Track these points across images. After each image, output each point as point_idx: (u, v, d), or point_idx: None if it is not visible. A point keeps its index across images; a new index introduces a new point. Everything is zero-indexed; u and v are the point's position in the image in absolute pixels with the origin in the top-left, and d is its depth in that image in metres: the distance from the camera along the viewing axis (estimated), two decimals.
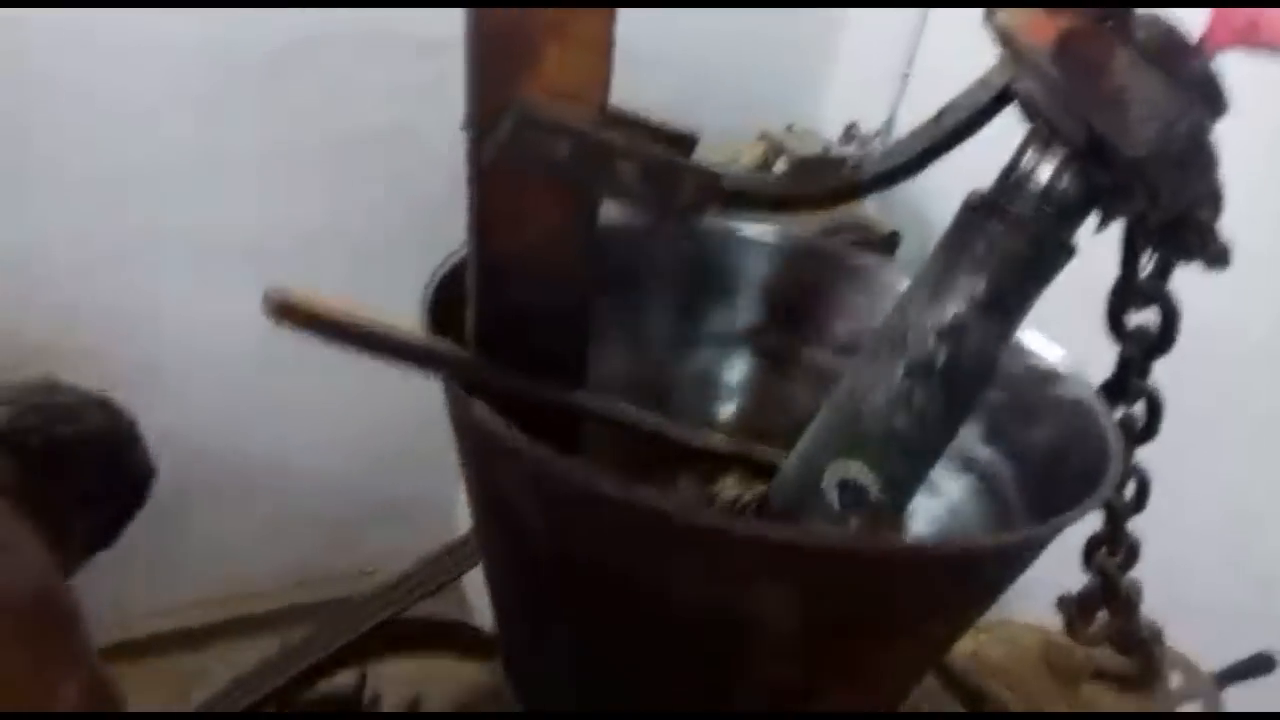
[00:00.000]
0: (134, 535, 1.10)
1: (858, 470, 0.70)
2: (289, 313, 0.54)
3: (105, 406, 0.95)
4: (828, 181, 0.65)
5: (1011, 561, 0.68)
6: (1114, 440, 0.73)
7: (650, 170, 0.55)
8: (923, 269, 0.70)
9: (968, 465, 0.82)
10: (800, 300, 0.85)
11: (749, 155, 1.59)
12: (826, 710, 0.71)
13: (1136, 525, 0.97)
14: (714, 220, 0.83)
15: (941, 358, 0.68)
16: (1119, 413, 0.83)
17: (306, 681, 0.97)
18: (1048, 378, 0.79)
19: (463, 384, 0.60)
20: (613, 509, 0.56)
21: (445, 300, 0.66)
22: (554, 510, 0.61)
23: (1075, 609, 1.04)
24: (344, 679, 0.99)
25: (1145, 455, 0.88)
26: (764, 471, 0.76)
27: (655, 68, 1.44)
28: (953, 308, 0.67)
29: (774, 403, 0.84)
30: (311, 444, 1.81)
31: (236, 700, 0.99)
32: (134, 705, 1.00)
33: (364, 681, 0.99)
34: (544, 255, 0.58)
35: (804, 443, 0.73)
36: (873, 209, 1.79)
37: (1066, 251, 0.66)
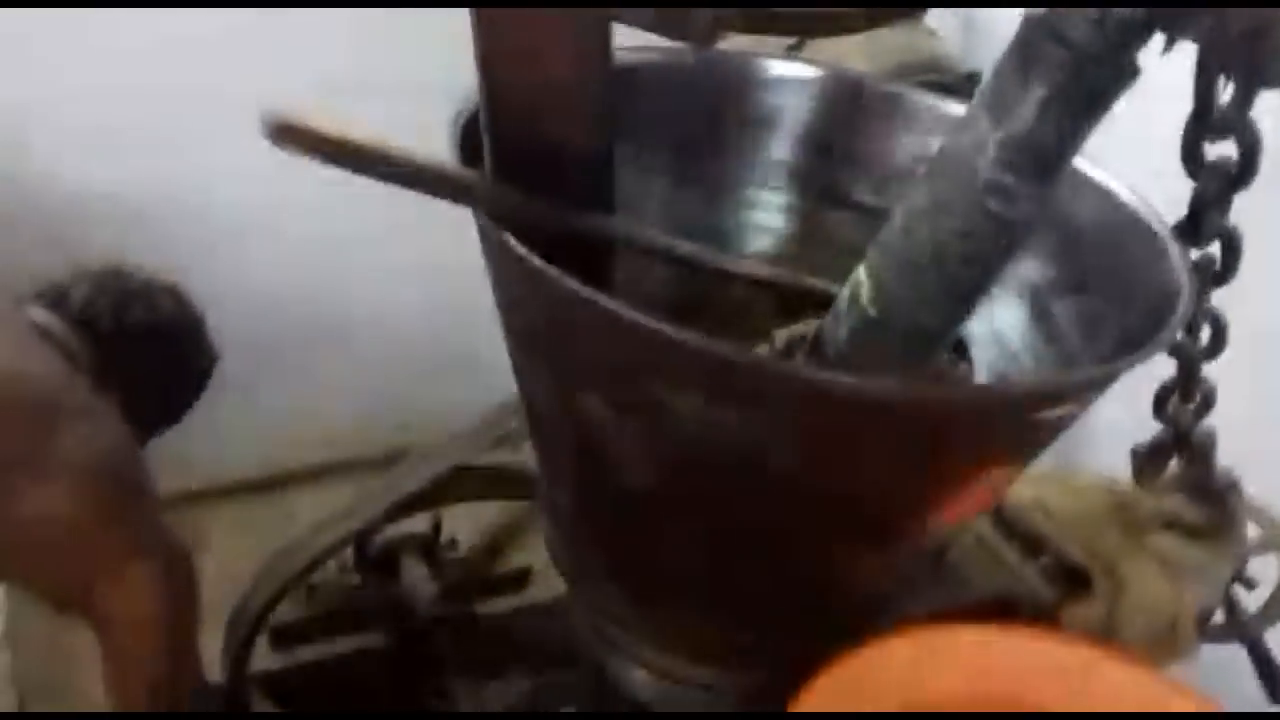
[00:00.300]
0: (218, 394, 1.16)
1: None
2: (290, 134, 0.52)
3: (173, 293, 0.97)
4: None
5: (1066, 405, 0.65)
6: (1185, 277, 0.69)
7: None
8: (978, 95, 0.65)
9: (1025, 296, 0.78)
10: (843, 137, 0.80)
11: None
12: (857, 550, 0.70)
13: (1211, 372, 0.93)
14: (749, 57, 0.79)
15: (1000, 184, 0.64)
16: (1194, 253, 0.78)
17: (382, 524, 1.01)
18: (1114, 209, 0.75)
19: (483, 210, 0.59)
20: (631, 338, 0.55)
21: (476, 135, 0.64)
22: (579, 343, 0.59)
23: (1145, 458, 1.01)
24: (418, 522, 1.02)
25: (1222, 299, 0.84)
26: (814, 304, 0.74)
27: None
28: (1009, 132, 0.63)
29: (819, 240, 0.80)
30: (375, 304, 1.84)
31: (315, 543, 1.03)
32: (222, 547, 1.05)
33: (439, 524, 1.02)
34: (558, 91, 0.56)
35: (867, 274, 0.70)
36: (953, 46, 1.69)
37: (1128, 74, 0.61)
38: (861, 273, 0.68)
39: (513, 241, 0.57)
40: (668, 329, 0.53)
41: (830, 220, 0.81)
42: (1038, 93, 0.61)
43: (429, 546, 1.02)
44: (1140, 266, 0.73)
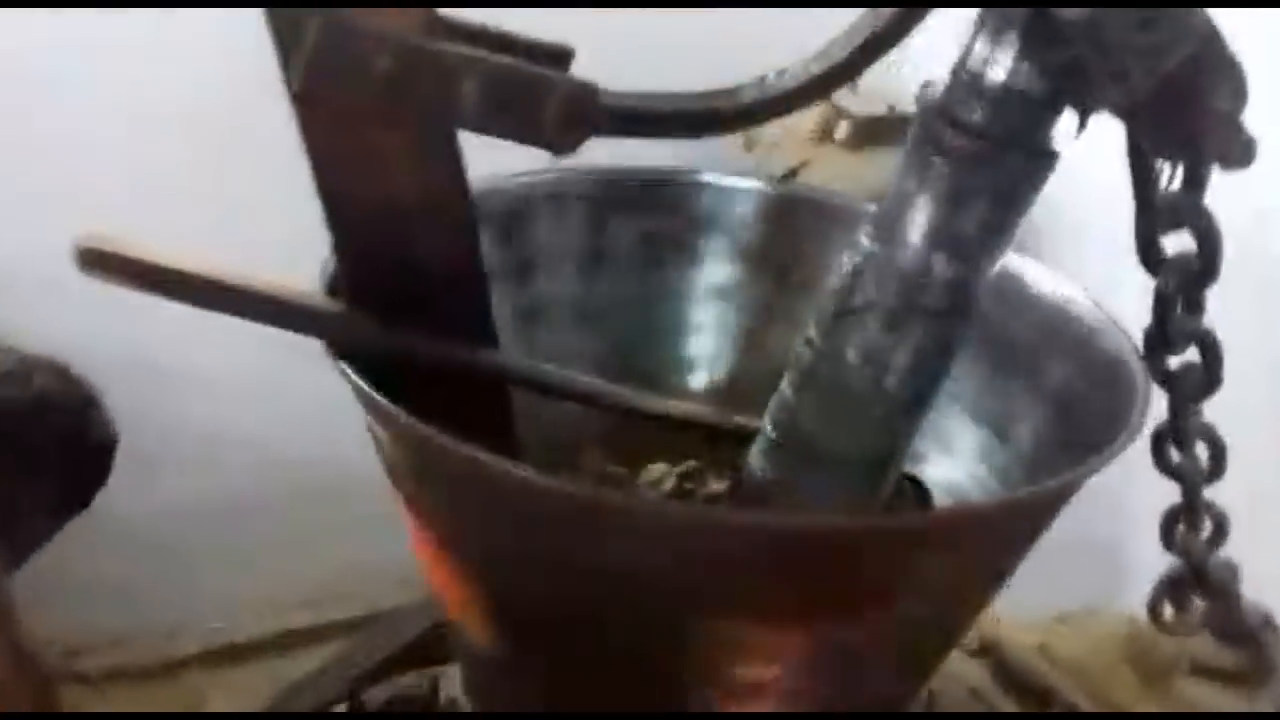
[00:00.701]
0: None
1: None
2: (104, 263, 0.48)
3: (56, 369, 0.89)
4: (736, 97, 0.56)
5: (1000, 531, 0.57)
6: (1139, 377, 0.62)
7: (498, 85, 0.47)
8: (889, 198, 0.60)
9: (978, 416, 0.71)
10: (783, 250, 0.75)
11: (807, 120, 1.48)
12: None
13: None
14: (673, 170, 0.75)
15: (910, 300, 0.58)
16: (1169, 363, 0.71)
17: (378, 678, 0.95)
18: (1057, 313, 0.68)
19: (334, 343, 0.54)
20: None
21: None
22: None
23: (1158, 596, 0.91)
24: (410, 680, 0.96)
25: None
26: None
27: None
28: (915, 239, 0.57)
29: (761, 366, 0.74)
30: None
31: (304, 699, 0.97)
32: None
33: (436, 684, 0.96)
34: (401, 198, 0.51)
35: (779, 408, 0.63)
36: None
37: (1042, 157, 0.55)
38: (774, 401, 0.62)
39: (354, 376, 0.52)
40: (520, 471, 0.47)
41: (774, 340, 0.75)
42: (941, 185, 0.55)
43: (428, 706, 0.95)
44: (1100, 379, 0.66)
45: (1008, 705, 0.88)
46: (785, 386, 0.62)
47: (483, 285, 0.57)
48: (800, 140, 1.52)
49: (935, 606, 0.58)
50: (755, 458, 0.64)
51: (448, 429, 0.51)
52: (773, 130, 1.60)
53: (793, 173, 1.58)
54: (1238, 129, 0.54)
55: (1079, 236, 1.36)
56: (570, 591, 0.56)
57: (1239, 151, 0.53)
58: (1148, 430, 0.77)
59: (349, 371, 0.52)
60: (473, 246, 0.55)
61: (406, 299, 0.54)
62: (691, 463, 0.68)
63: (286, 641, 1.74)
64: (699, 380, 0.76)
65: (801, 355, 0.61)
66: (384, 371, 0.54)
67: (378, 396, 0.51)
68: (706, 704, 0.60)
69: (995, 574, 0.62)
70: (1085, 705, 0.90)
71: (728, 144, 1.64)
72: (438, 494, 0.57)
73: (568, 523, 0.51)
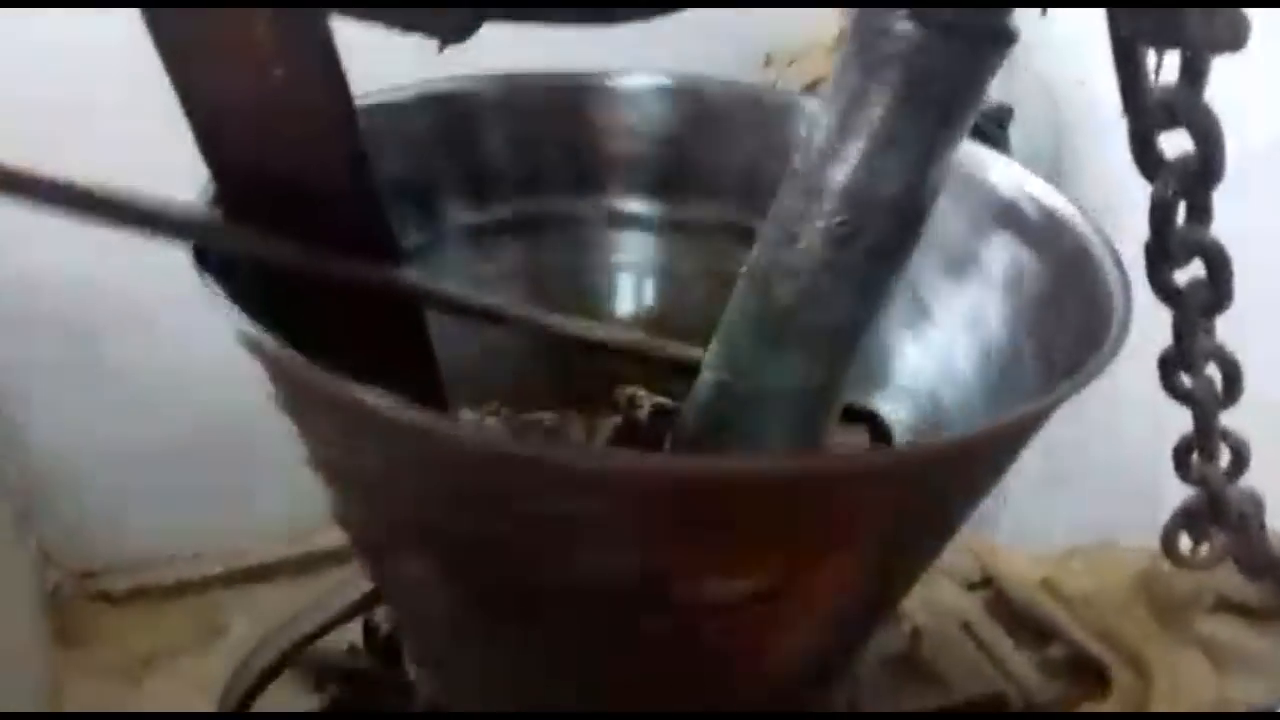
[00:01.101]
0: None
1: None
2: None
3: None
4: None
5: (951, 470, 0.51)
6: (1117, 288, 0.55)
7: None
8: (830, 90, 0.53)
9: (969, 333, 0.65)
10: (701, 147, 0.68)
11: (826, 35, 1.39)
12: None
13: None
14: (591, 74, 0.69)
15: (857, 210, 0.51)
16: (1181, 279, 0.63)
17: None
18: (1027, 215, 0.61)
19: (213, 253, 0.49)
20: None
21: None
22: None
23: (1174, 528, 0.85)
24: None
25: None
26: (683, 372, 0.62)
27: None
28: (861, 142, 0.50)
29: (685, 289, 0.68)
30: None
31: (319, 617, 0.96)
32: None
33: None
34: (265, 93, 0.46)
35: (718, 338, 0.58)
36: None
37: (999, 39, 0.48)
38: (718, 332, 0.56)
39: (224, 296, 0.47)
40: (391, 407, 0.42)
41: (705, 251, 0.68)
42: (891, 77, 0.49)
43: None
44: (1083, 292, 0.59)
45: (1003, 642, 0.82)
46: (727, 314, 0.56)
47: (372, 199, 0.52)
48: (820, 54, 1.43)
49: (882, 552, 0.53)
50: (693, 395, 0.58)
51: (360, 359, 0.47)
52: (792, 45, 1.51)
53: (812, 86, 1.50)
54: (1219, 6, 0.46)
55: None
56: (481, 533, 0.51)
57: (1226, 33, 0.46)
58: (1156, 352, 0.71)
59: (211, 282, 0.47)
60: (354, 154, 0.50)
61: (283, 211, 0.49)
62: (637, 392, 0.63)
63: (307, 563, 1.75)
64: (625, 308, 0.70)
65: (743, 277, 0.56)
66: (282, 299, 0.49)
67: (240, 313, 0.46)
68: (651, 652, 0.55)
69: (946, 517, 0.56)
70: (1090, 643, 0.84)
71: (744, 59, 1.56)
72: (303, 420, 0.52)
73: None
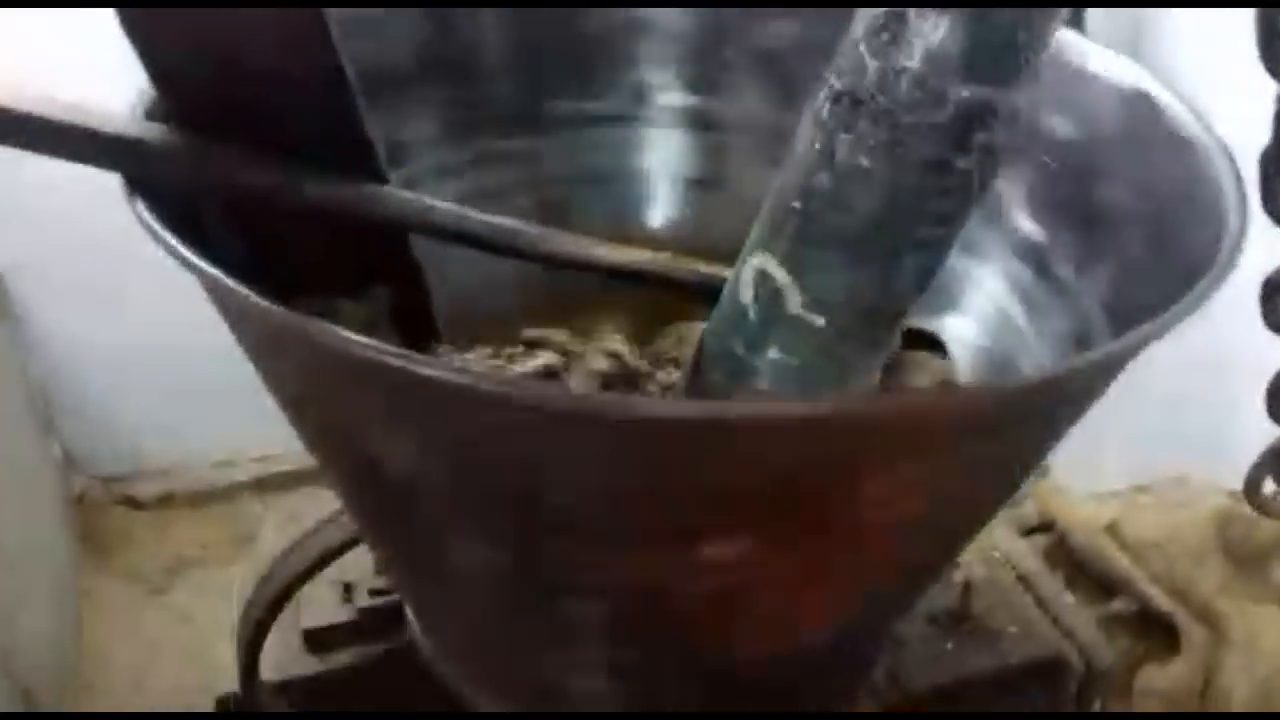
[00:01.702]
0: None
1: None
2: None
3: None
4: None
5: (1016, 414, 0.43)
6: (1233, 196, 0.46)
7: None
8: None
9: (1025, 257, 0.56)
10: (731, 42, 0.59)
11: None
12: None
13: None
14: None
15: (918, 126, 0.42)
16: None
17: None
18: (1138, 117, 0.52)
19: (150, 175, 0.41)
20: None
21: None
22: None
23: (1259, 472, 0.76)
24: None
25: None
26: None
27: None
28: (922, 49, 0.41)
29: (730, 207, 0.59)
30: None
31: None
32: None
33: None
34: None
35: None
36: None
37: None
38: (762, 262, 0.48)
39: (159, 227, 0.39)
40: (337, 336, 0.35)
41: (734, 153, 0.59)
42: None
43: None
44: (1178, 198, 0.50)
45: (1062, 596, 0.74)
46: (767, 250, 0.48)
47: (351, 101, 0.43)
48: None
49: (929, 509, 0.45)
50: (714, 337, 0.50)
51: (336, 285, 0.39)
52: None
53: None
54: None
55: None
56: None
57: None
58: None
59: (149, 218, 0.39)
60: (320, 48, 0.41)
61: (238, 120, 0.41)
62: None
63: None
64: (656, 222, 0.62)
65: (784, 190, 0.47)
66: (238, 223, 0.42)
67: (177, 243, 0.38)
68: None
69: (1009, 469, 0.48)
70: (1159, 597, 0.76)
71: None
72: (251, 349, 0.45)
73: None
